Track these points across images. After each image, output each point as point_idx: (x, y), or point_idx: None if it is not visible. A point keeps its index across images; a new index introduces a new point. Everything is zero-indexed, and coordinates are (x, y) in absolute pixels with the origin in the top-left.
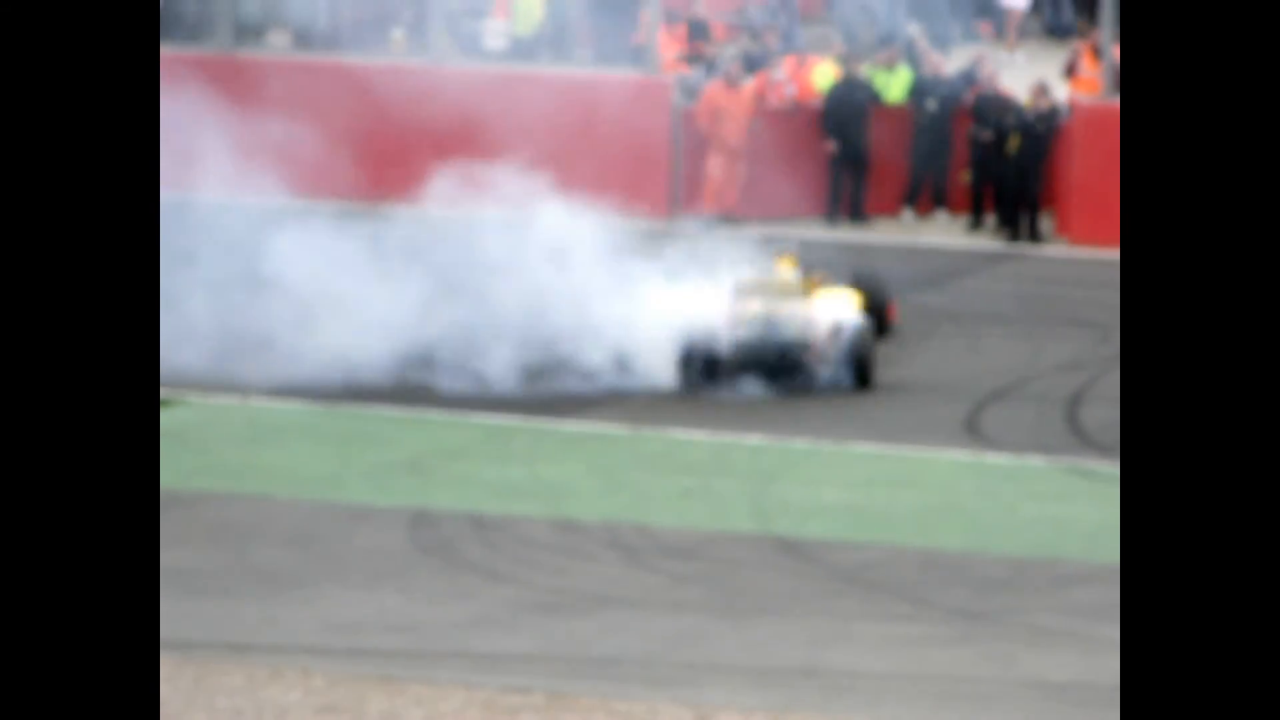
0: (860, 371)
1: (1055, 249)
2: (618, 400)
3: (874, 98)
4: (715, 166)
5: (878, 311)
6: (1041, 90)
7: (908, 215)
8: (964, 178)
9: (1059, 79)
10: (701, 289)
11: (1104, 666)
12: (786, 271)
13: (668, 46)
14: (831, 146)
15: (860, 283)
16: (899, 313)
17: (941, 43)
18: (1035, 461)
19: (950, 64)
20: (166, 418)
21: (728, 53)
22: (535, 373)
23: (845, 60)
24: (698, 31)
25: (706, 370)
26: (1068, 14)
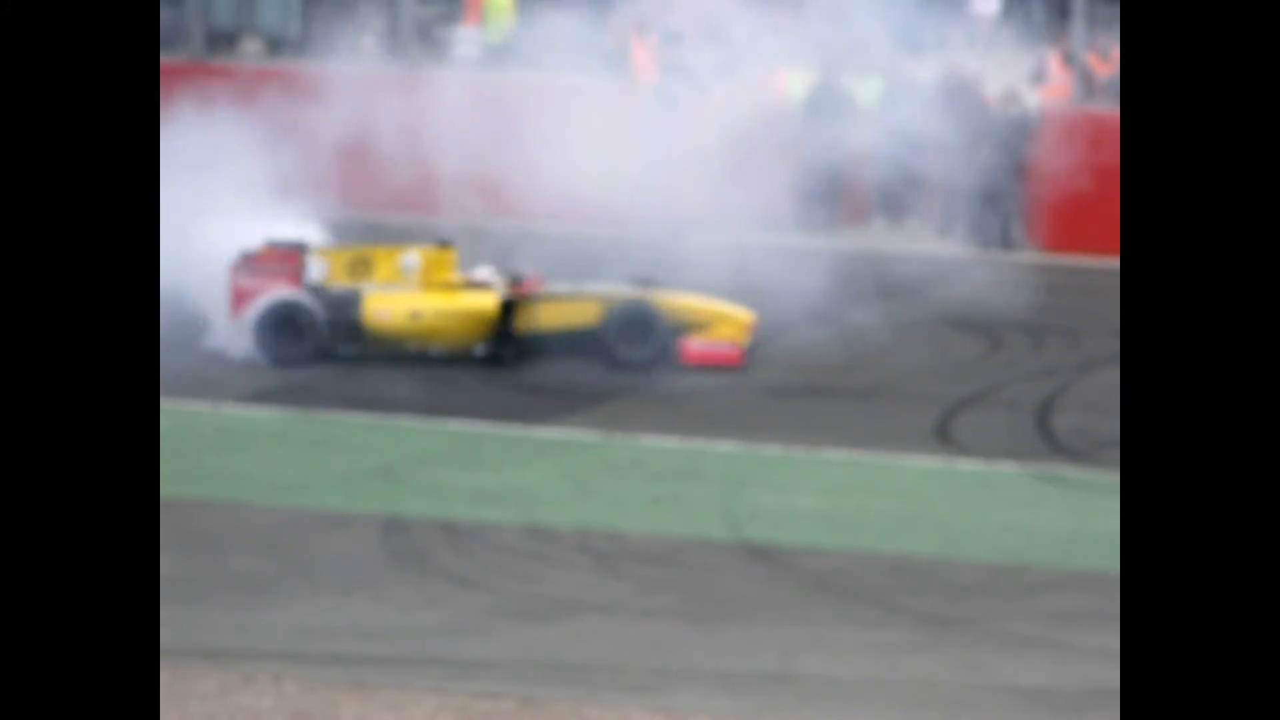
0: None
1: (1025, 256)
2: (589, 406)
3: (852, 106)
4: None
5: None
6: (1011, 96)
7: (878, 223)
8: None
9: (1028, 85)
10: None
11: (1075, 672)
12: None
13: (640, 54)
14: (808, 154)
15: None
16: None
17: (914, 49)
18: (1006, 468)
19: (921, 71)
20: None
21: (699, 60)
22: None
23: (825, 68)
24: (670, 39)
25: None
26: (1038, 19)
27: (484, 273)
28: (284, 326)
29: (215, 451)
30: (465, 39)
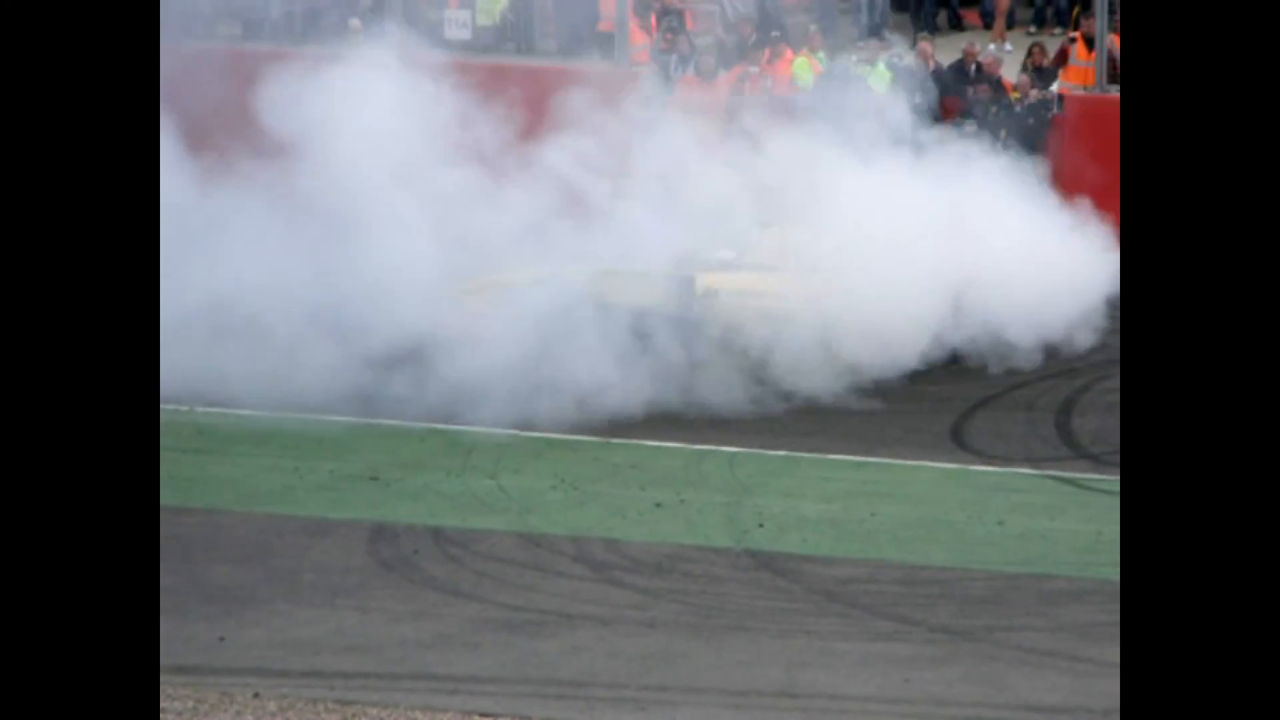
0: None
1: None
2: (586, 408)
3: (865, 92)
4: None
5: None
6: (1031, 82)
7: None
8: None
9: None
10: None
11: (1096, 688)
12: None
13: (637, 37)
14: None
15: None
16: None
17: (928, 31)
18: (1024, 472)
19: (937, 55)
20: None
21: (701, 44)
22: None
23: (834, 53)
24: (669, 22)
25: None
26: (1060, 2)
27: None
28: None
29: (191, 456)
30: (455, 21)
